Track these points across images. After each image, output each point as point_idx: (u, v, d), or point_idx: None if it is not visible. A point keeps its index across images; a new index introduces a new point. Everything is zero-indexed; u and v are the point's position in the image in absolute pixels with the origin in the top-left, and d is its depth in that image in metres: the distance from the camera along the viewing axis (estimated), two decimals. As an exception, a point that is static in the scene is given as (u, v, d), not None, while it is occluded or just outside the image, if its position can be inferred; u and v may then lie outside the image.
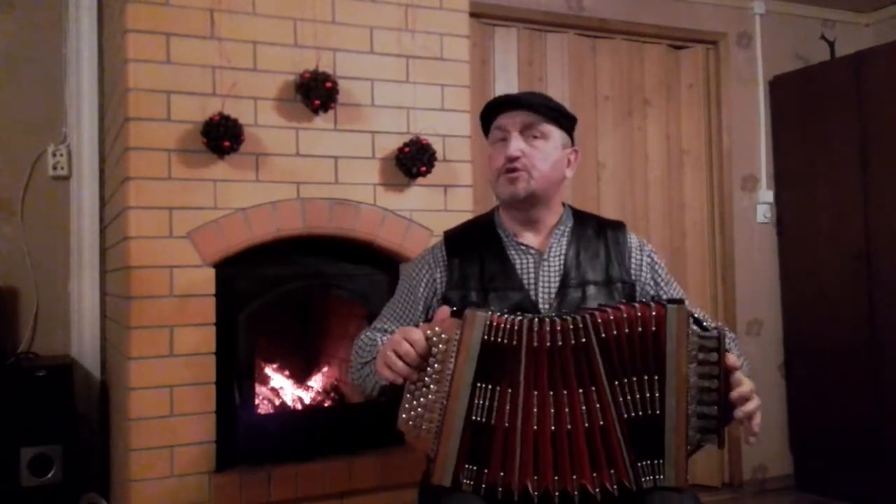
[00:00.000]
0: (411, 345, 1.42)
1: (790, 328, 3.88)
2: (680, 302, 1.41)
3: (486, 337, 1.39)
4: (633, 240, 1.75)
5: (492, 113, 1.72)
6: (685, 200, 3.79)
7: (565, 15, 3.52)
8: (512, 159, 1.64)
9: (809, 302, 3.77)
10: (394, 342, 1.45)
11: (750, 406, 1.41)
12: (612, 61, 3.63)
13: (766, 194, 3.91)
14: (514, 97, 1.72)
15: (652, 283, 1.71)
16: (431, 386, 1.42)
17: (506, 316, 1.42)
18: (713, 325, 1.55)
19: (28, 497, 2.42)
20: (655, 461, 1.38)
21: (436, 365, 1.42)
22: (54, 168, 2.90)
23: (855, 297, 3.53)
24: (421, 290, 1.72)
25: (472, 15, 2.87)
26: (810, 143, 3.76)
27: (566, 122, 1.72)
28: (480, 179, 3.19)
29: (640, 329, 1.39)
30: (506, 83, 3.39)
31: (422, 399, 1.42)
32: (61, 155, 2.90)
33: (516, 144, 1.65)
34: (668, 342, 1.38)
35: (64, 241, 2.91)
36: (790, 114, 3.87)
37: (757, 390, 1.44)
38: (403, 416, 1.43)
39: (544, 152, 1.66)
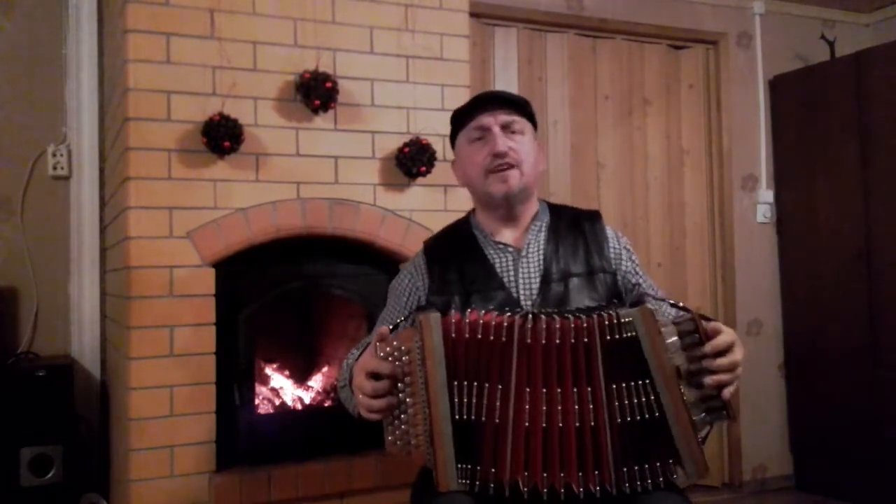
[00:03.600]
0: (376, 376, 1.41)
1: (790, 328, 3.88)
2: (641, 301, 1.41)
3: (454, 335, 1.38)
4: (609, 230, 1.75)
5: (466, 113, 1.72)
6: (685, 200, 3.79)
7: (565, 15, 3.52)
8: (501, 155, 1.64)
9: (809, 302, 3.77)
10: (359, 386, 1.43)
11: (727, 377, 1.38)
12: (612, 61, 3.63)
13: (766, 194, 3.91)
14: (490, 94, 1.73)
15: (633, 271, 1.71)
16: (407, 400, 1.40)
17: (482, 311, 1.41)
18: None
19: (28, 497, 2.42)
20: (673, 459, 1.37)
21: (406, 378, 1.40)
22: (54, 168, 2.90)
23: (855, 297, 3.53)
24: (405, 300, 1.72)
25: (472, 15, 2.87)
26: (810, 142, 3.76)
27: (533, 114, 1.75)
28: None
29: (617, 336, 1.38)
30: (506, 83, 3.39)
31: (402, 416, 1.41)
32: (61, 155, 2.90)
33: (503, 141, 1.65)
34: (643, 344, 1.37)
35: (64, 241, 2.91)
36: (790, 114, 3.87)
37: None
38: (389, 438, 1.43)
39: (526, 147, 1.68)
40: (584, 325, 1.39)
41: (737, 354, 1.39)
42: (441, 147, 2.55)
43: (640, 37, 3.68)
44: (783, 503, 3.67)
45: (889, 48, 3.53)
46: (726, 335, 1.39)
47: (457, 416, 1.38)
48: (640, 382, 1.38)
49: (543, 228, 1.71)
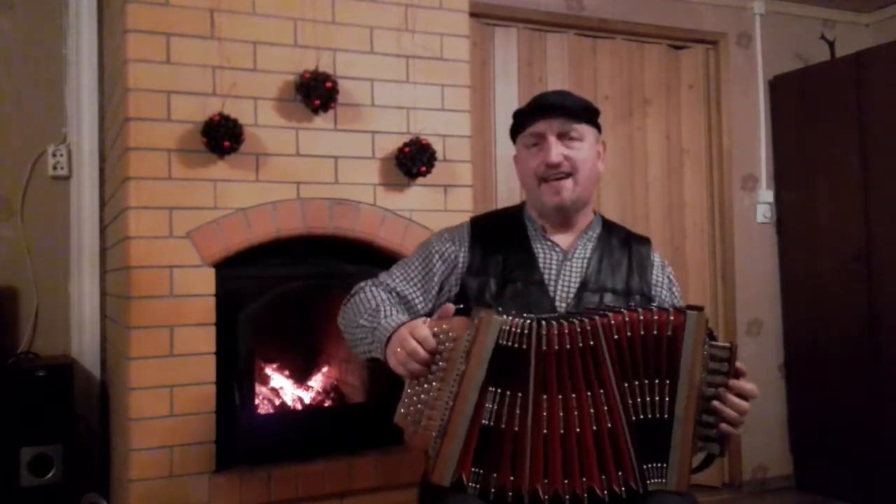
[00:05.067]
0: (420, 343, 1.40)
1: (790, 328, 3.88)
2: (699, 309, 1.41)
3: (500, 341, 1.38)
4: (656, 257, 1.75)
5: (525, 118, 1.69)
6: (685, 200, 3.79)
7: (565, 15, 3.52)
8: (555, 166, 1.63)
9: (809, 302, 3.77)
10: (402, 339, 1.42)
11: (737, 417, 1.42)
12: (612, 61, 3.63)
13: (766, 194, 3.91)
14: (550, 102, 1.69)
15: (670, 302, 1.71)
16: (434, 383, 1.40)
17: (517, 319, 1.40)
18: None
19: (28, 497, 2.42)
20: (660, 464, 1.38)
21: (441, 363, 1.39)
22: (54, 168, 2.89)
23: (855, 297, 3.53)
24: (438, 263, 1.69)
25: (472, 15, 2.87)
26: (810, 142, 3.76)
27: (596, 118, 1.71)
28: (480, 179, 3.19)
29: (655, 332, 1.39)
30: (506, 83, 3.39)
31: (423, 396, 1.40)
32: (61, 155, 2.90)
33: (557, 150, 1.63)
34: (684, 348, 1.38)
35: (64, 241, 2.90)
36: (790, 114, 3.87)
37: (757, 391, 1.45)
38: (402, 410, 1.42)
39: (584, 154, 1.66)
40: (584, 328, 1.38)
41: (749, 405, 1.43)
42: (441, 147, 2.55)
43: (640, 37, 3.68)
44: (783, 503, 3.67)
45: (889, 48, 3.53)
46: (752, 385, 1.43)
47: (484, 421, 1.38)
48: (658, 381, 1.38)
49: (593, 238, 1.71)
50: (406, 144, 2.49)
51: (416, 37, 2.56)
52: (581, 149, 1.65)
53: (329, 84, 2.36)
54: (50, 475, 2.45)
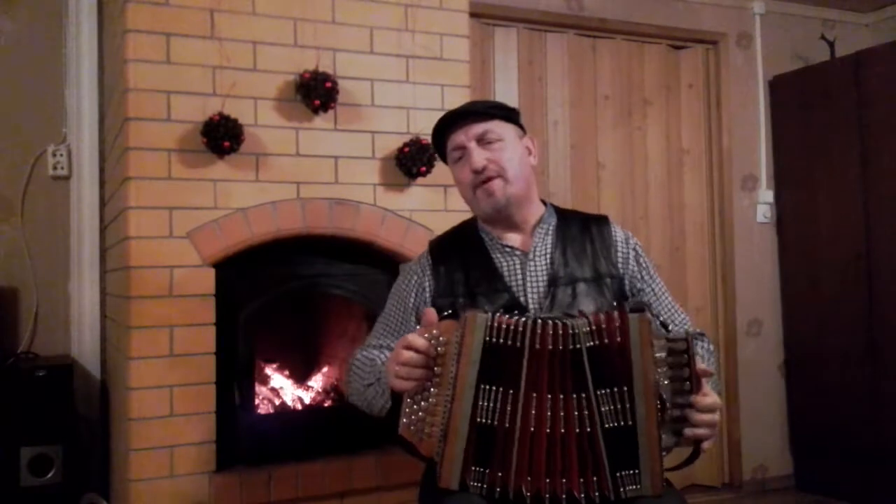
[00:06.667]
0: (414, 349, 1.40)
1: (790, 328, 3.88)
2: (641, 309, 1.40)
3: (487, 338, 1.38)
4: (617, 233, 1.74)
5: (442, 135, 1.72)
6: (685, 200, 3.79)
7: (565, 15, 3.52)
8: (480, 170, 1.64)
9: (809, 302, 3.77)
10: (395, 356, 1.43)
11: (711, 417, 1.40)
12: (612, 61, 3.63)
13: (766, 194, 3.91)
14: (457, 112, 1.71)
15: (639, 276, 1.71)
16: (432, 389, 1.40)
17: (506, 315, 1.41)
18: (691, 329, 1.58)
19: (28, 497, 2.42)
20: (632, 471, 1.38)
21: (436, 368, 1.40)
22: (54, 168, 2.90)
23: (855, 298, 3.53)
24: (412, 300, 1.71)
25: (472, 15, 2.87)
26: (810, 143, 3.77)
27: (513, 115, 1.73)
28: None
29: (606, 340, 1.39)
30: (506, 83, 3.39)
31: (423, 403, 1.41)
32: (61, 155, 2.90)
33: (479, 155, 1.65)
34: (632, 351, 1.38)
35: (64, 241, 2.90)
36: (790, 114, 3.87)
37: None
38: (405, 421, 1.42)
39: (507, 153, 1.67)
40: (572, 330, 1.39)
41: (715, 416, 1.41)
42: (441, 147, 2.54)
43: (640, 37, 3.68)
44: (783, 503, 3.67)
45: (889, 48, 3.54)
46: (713, 399, 1.40)
47: (479, 419, 1.38)
48: (618, 389, 1.38)
49: (550, 231, 1.71)
50: (406, 144, 2.49)
51: (416, 37, 2.56)
52: (502, 148, 1.66)
53: (329, 84, 2.36)
54: (50, 475, 2.45)
